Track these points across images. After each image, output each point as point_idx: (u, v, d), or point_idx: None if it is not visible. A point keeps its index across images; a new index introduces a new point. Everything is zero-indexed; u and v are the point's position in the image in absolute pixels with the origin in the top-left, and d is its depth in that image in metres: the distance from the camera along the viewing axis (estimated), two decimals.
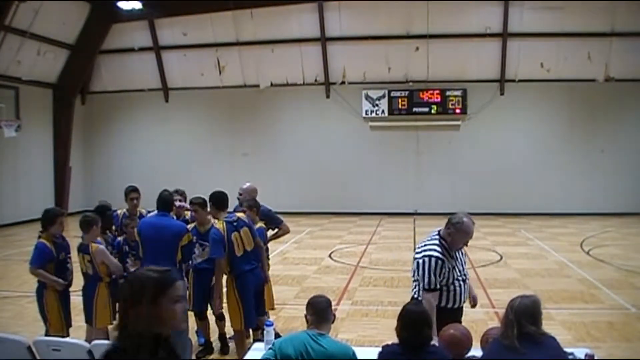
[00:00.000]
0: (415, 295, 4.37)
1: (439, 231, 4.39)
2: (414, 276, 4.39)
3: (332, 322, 3.51)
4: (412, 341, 3.18)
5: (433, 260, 4.20)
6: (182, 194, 6.68)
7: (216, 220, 5.55)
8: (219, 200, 5.59)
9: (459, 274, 4.32)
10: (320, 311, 3.45)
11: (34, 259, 5.26)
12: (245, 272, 5.43)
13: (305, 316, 3.51)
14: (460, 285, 4.30)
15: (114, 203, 6.82)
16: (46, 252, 5.26)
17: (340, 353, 3.27)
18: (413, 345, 3.18)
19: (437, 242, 4.31)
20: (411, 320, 3.22)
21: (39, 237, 5.37)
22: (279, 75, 19.41)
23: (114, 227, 6.33)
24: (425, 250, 4.30)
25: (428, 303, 4.14)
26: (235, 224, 5.46)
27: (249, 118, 19.76)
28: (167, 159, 19.81)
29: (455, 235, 4.27)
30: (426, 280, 4.19)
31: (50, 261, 5.26)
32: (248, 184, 6.58)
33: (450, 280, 4.25)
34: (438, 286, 4.20)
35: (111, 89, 20.43)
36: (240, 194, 6.50)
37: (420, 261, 4.26)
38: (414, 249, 4.71)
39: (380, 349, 3.34)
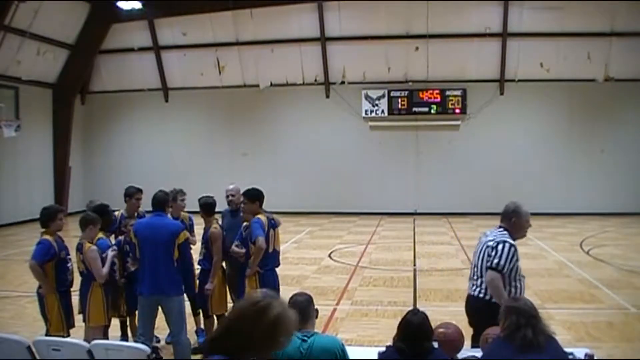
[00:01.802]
0: (472, 285, 4.39)
1: (500, 226, 4.43)
2: (478, 263, 4.38)
3: (316, 317, 3.54)
4: (409, 352, 3.18)
5: (513, 247, 4.27)
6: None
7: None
8: (263, 197, 5.72)
9: (521, 270, 4.37)
10: (302, 311, 3.45)
11: (36, 253, 5.24)
12: (269, 269, 5.62)
13: None
14: (522, 283, 4.36)
15: (113, 203, 6.79)
16: (49, 248, 5.26)
17: (329, 345, 3.33)
18: (410, 356, 3.17)
19: (507, 234, 4.35)
20: (410, 333, 3.20)
21: (42, 234, 5.37)
22: (278, 75, 19.40)
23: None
24: (500, 237, 4.33)
25: (494, 282, 4.16)
26: (272, 221, 5.68)
27: (249, 118, 19.75)
28: (166, 158, 19.80)
29: (518, 221, 4.36)
30: (501, 262, 4.20)
31: (52, 258, 5.25)
32: (234, 185, 6.53)
33: (514, 275, 4.28)
34: (505, 271, 4.21)
35: (111, 89, 20.44)
36: (233, 195, 6.36)
37: (500, 246, 4.25)
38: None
39: (381, 349, 3.34)
